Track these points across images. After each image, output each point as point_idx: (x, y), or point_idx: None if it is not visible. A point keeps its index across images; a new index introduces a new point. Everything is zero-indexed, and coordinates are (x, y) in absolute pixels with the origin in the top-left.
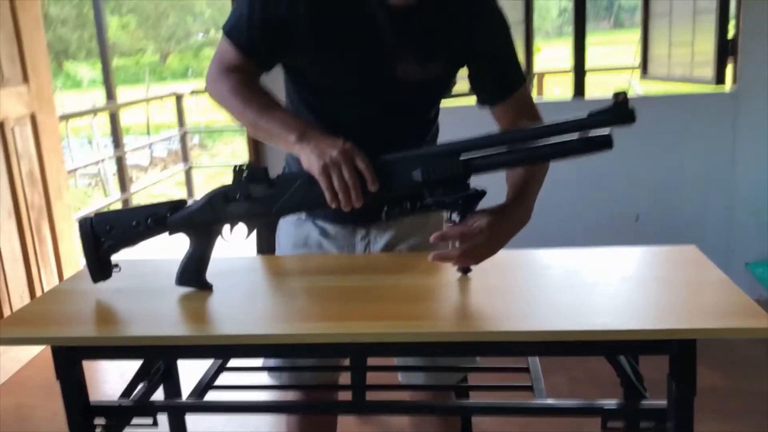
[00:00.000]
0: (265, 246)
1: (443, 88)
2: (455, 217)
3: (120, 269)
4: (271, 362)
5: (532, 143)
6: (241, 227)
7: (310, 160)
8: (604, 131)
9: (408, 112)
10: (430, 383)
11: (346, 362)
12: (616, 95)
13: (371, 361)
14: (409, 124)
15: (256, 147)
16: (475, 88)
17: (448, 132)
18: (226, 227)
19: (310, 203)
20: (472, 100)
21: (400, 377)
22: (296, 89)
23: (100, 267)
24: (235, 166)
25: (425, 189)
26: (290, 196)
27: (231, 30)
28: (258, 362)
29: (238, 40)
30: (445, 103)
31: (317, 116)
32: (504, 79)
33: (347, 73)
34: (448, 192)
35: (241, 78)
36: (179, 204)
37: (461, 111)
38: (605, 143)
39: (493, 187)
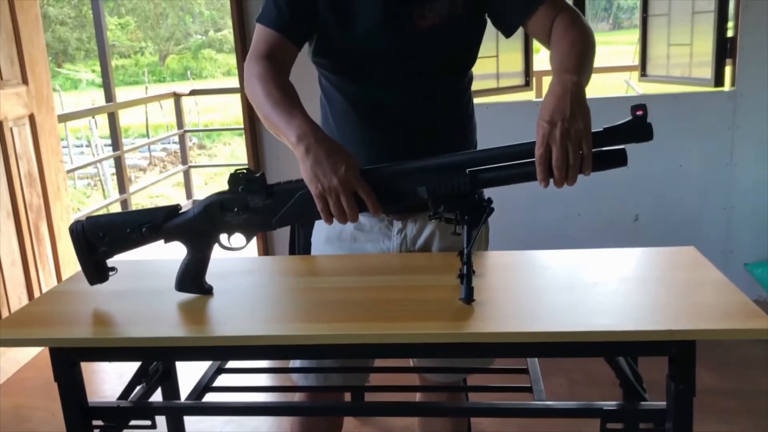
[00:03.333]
0: (301, 245)
1: (469, 35)
2: (460, 230)
3: (117, 272)
4: (297, 363)
5: None
6: (239, 236)
7: (309, 177)
8: (618, 147)
9: (436, 74)
10: (444, 382)
11: (373, 363)
12: (634, 109)
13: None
14: (439, 91)
15: (255, 148)
16: (498, 13)
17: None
18: (224, 235)
19: (311, 214)
20: (488, 99)
21: (419, 376)
22: (327, 78)
23: (95, 270)
24: (231, 174)
25: (431, 203)
26: (291, 207)
27: (261, 16)
28: (256, 364)
29: (268, 21)
30: None
31: (350, 100)
32: None
33: (367, 29)
34: (455, 207)
35: (270, 66)
36: (174, 210)
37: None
38: (619, 160)
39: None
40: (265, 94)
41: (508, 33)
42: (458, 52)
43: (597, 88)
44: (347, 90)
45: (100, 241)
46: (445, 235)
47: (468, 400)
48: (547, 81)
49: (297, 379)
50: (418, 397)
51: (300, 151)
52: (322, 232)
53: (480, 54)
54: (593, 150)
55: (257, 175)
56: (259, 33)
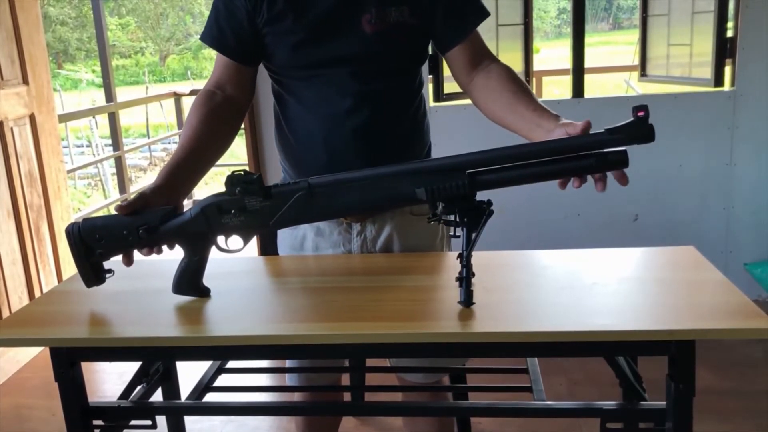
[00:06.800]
0: (270, 247)
1: (413, 40)
2: (460, 232)
3: (113, 274)
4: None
5: (543, 159)
6: (236, 238)
7: None
8: (620, 148)
9: (385, 76)
10: (422, 382)
11: (347, 363)
12: (636, 110)
13: (369, 362)
14: (388, 93)
15: (255, 148)
16: (436, 32)
17: (456, 130)
18: (221, 237)
19: (309, 216)
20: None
21: (397, 376)
22: (278, 82)
23: (92, 273)
24: (228, 176)
25: (429, 205)
26: (289, 209)
27: (204, 35)
28: (257, 364)
29: (211, 41)
30: (453, 102)
31: (302, 103)
32: (463, 14)
33: (316, 35)
34: (454, 209)
35: (195, 110)
36: (171, 212)
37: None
38: (620, 162)
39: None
40: (182, 135)
41: (442, 51)
42: (406, 57)
43: (597, 88)
44: (299, 93)
45: (96, 243)
46: (405, 235)
47: (468, 399)
48: (547, 81)
49: (288, 379)
50: (400, 397)
51: None
52: (285, 242)
53: None
54: (595, 151)
55: (255, 176)
56: (216, 56)
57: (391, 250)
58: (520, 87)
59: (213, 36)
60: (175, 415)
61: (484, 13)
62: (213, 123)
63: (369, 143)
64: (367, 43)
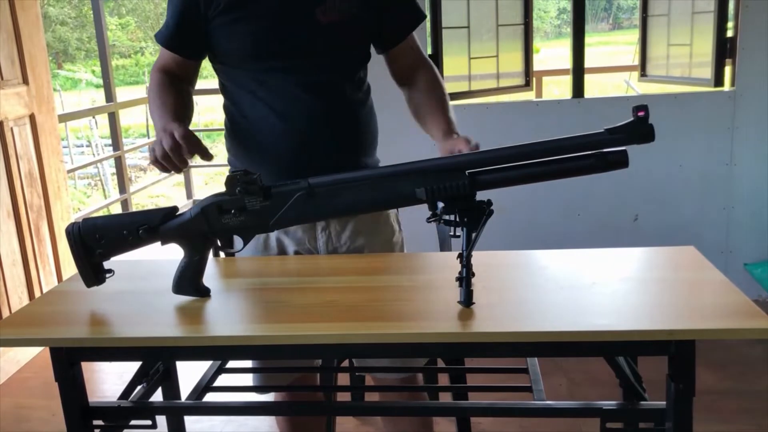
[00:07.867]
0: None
1: (363, 34)
2: (459, 232)
3: (113, 274)
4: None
5: (543, 159)
6: (236, 238)
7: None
8: (620, 148)
9: (337, 68)
10: (394, 381)
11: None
12: (636, 110)
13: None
14: (342, 86)
15: None
16: (379, 30)
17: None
18: (221, 237)
19: (309, 215)
20: (488, 99)
21: (369, 375)
22: (231, 79)
23: (92, 272)
24: (228, 176)
25: (429, 205)
26: (289, 209)
27: (157, 34)
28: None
29: (161, 40)
30: (452, 102)
31: (260, 98)
32: (405, 15)
33: (270, 24)
34: (454, 209)
35: (161, 78)
36: (171, 212)
37: (475, 108)
38: (620, 162)
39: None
40: (152, 100)
41: (380, 49)
42: (356, 50)
43: (597, 88)
44: (253, 86)
45: (96, 243)
46: (368, 229)
47: (468, 399)
48: (547, 81)
49: (253, 379)
50: (377, 397)
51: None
52: (248, 248)
53: (480, 54)
54: (596, 151)
55: (254, 176)
56: (161, 50)
57: (356, 244)
58: (436, 101)
59: (161, 32)
60: (175, 415)
61: (422, 16)
62: (182, 92)
63: (324, 136)
64: (321, 34)
